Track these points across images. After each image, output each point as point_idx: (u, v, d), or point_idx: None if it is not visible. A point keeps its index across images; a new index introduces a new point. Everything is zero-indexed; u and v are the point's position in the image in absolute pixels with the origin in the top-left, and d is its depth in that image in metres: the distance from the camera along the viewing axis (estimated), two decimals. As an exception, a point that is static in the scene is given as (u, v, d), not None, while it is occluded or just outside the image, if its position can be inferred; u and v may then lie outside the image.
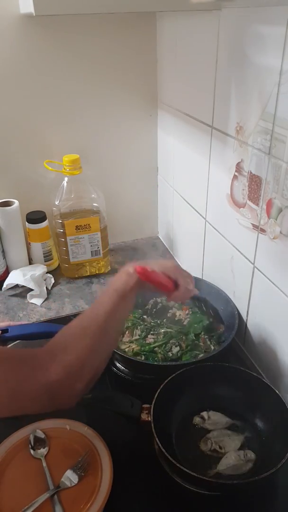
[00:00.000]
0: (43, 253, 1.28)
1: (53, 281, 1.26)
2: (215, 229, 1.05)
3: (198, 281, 1.10)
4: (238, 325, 0.95)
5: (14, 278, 1.21)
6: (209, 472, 0.73)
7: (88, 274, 1.29)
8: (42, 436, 0.81)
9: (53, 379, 0.62)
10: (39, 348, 0.66)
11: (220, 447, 0.77)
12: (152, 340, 0.96)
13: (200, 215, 1.13)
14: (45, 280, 1.24)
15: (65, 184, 1.19)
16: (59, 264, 1.32)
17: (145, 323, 1.01)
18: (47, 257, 1.29)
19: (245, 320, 0.98)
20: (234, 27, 0.83)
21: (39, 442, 0.80)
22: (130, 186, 1.39)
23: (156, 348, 0.94)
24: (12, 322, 0.96)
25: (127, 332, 0.99)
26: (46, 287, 1.22)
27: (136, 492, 0.74)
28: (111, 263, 1.33)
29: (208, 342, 0.96)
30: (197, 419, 0.82)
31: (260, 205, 0.84)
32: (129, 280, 0.73)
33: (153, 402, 0.75)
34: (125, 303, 0.72)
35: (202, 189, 1.08)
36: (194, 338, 0.96)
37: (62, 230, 1.21)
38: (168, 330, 0.99)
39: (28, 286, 1.19)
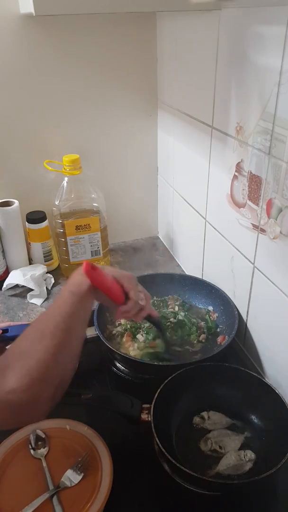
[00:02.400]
0: (43, 253, 1.28)
1: (53, 281, 1.26)
2: (215, 229, 1.05)
3: (198, 281, 1.11)
4: (238, 325, 0.95)
5: (14, 278, 1.21)
6: (209, 472, 0.73)
7: (88, 274, 1.28)
8: (42, 436, 0.81)
9: (12, 388, 0.55)
10: None
11: (220, 447, 0.77)
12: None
13: (200, 215, 1.13)
14: (45, 280, 1.24)
15: (65, 184, 1.19)
16: (59, 264, 1.32)
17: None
18: (47, 257, 1.29)
19: (245, 320, 0.98)
20: (234, 27, 0.83)
21: (39, 442, 0.80)
22: (130, 186, 1.39)
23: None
24: (12, 322, 0.96)
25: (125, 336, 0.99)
26: (46, 287, 1.22)
27: (136, 492, 0.74)
28: (111, 263, 1.33)
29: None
30: (197, 419, 0.82)
31: (260, 205, 0.84)
32: (84, 280, 0.67)
33: (153, 402, 0.75)
34: (82, 304, 0.66)
35: (202, 189, 1.08)
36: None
37: (62, 230, 1.21)
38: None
39: (28, 286, 1.19)
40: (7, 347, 0.87)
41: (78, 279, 0.68)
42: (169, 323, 1.01)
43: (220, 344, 0.96)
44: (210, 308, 1.07)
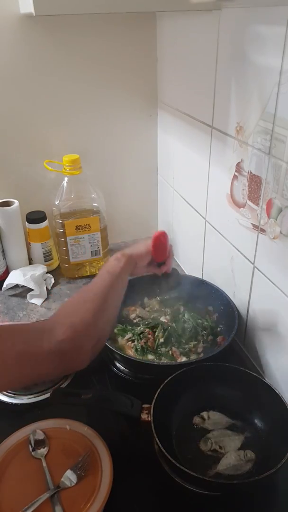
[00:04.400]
0: (43, 253, 1.28)
1: (53, 281, 1.26)
2: (215, 229, 1.05)
3: (198, 281, 1.11)
4: (238, 325, 0.94)
5: (14, 278, 1.22)
6: (209, 472, 0.73)
7: (88, 274, 1.29)
8: (42, 436, 0.81)
9: (60, 339, 0.65)
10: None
11: (220, 447, 0.77)
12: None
13: (200, 215, 1.13)
14: (45, 280, 1.24)
15: (65, 184, 1.19)
16: (59, 264, 1.32)
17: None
18: (47, 257, 1.29)
19: (245, 320, 0.98)
20: (234, 27, 0.83)
21: (39, 442, 0.80)
22: (130, 186, 1.39)
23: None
24: (12, 322, 0.96)
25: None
26: (46, 287, 1.22)
27: (136, 492, 0.74)
28: (111, 263, 1.33)
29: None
30: (197, 419, 0.82)
31: (260, 205, 0.84)
32: (118, 264, 0.82)
33: (153, 402, 0.75)
34: (117, 282, 0.79)
35: (202, 189, 1.08)
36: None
37: (62, 230, 1.21)
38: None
39: (28, 286, 1.19)
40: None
41: (114, 263, 0.82)
42: (173, 324, 1.01)
43: (220, 344, 0.96)
44: (210, 308, 1.07)
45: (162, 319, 1.03)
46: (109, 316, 0.77)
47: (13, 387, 0.86)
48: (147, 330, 0.97)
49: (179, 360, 0.92)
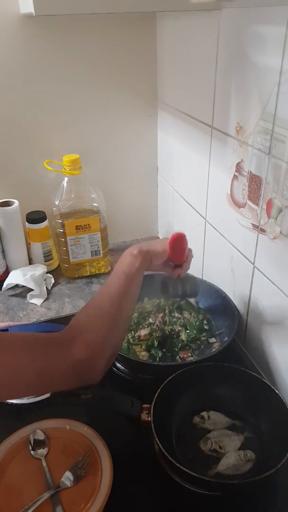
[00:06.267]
0: (43, 253, 1.28)
1: (53, 281, 1.26)
2: (215, 229, 1.05)
3: (198, 281, 1.11)
4: (238, 325, 0.95)
5: (14, 278, 1.21)
6: (209, 472, 0.73)
7: (88, 274, 1.29)
8: (42, 436, 0.81)
9: (77, 357, 0.64)
10: (59, 331, 0.69)
11: (220, 447, 0.77)
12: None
13: (200, 215, 1.13)
14: (45, 280, 1.24)
15: (65, 184, 1.19)
16: (59, 264, 1.32)
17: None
18: (47, 257, 1.29)
19: (245, 320, 0.98)
20: (234, 27, 0.83)
21: (39, 442, 0.80)
22: (130, 186, 1.39)
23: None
24: (12, 322, 0.96)
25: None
26: (46, 287, 1.22)
27: (136, 492, 0.74)
28: (111, 263, 1.33)
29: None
30: (197, 419, 0.82)
31: (260, 205, 0.84)
32: (134, 261, 0.77)
33: (153, 402, 0.75)
34: (133, 283, 0.76)
35: (202, 189, 1.08)
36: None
37: (62, 230, 1.21)
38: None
39: (28, 286, 1.19)
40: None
41: (129, 260, 0.78)
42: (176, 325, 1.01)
43: (220, 344, 0.96)
44: (210, 308, 1.07)
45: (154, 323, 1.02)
46: (124, 326, 0.77)
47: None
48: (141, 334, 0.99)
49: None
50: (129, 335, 1.00)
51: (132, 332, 1.00)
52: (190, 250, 0.89)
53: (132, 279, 0.76)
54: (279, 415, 0.74)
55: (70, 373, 0.65)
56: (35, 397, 0.87)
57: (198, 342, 0.98)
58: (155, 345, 0.96)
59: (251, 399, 0.81)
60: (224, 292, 1.03)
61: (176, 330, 1.00)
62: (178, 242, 0.84)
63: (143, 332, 0.99)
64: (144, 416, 0.75)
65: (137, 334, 0.99)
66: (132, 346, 0.98)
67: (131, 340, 0.99)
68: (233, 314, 0.97)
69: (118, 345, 0.75)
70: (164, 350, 0.96)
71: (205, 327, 1.02)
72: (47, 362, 0.64)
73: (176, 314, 1.05)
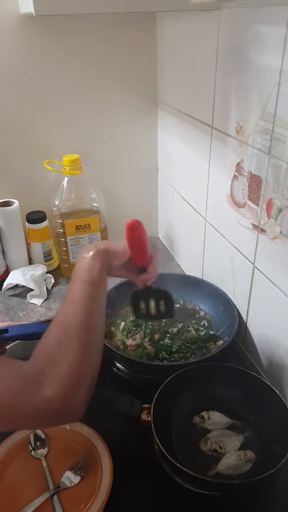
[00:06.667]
0: (43, 253, 1.28)
1: (53, 281, 1.26)
2: (215, 229, 1.05)
3: (198, 281, 1.11)
4: (238, 325, 0.95)
5: (14, 278, 1.21)
6: (209, 472, 0.73)
7: (88, 274, 1.28)
8: (42, 436, 0.81)
9: (47, 397, 0.55)
10: (25, 361, 0.59)
11: (220, 447, 0.77)
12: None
13: (200, 215, 1.13)
14: (45, 280, 1.24)
15: (65, 184, 1.19)
16: (59, 264, 1.32)
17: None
18: (47, 257, 1.29)
19: (245, 320, 0.98)
20: (234, 27, 0.83)
21: (39, 442, 0.80)
22: (130, 186, 1.39)
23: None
24: (12, 322, 0.96)
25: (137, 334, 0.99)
26: (46, 287, 1.22)
27: (136, 492, 0.74)
28: (111, 263, 1.33)
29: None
30: (197, 419, 0.82)
31: (260, 205, 0.84)
32: (93, 264, 0.67)
33: (153, 402, 0.75)
34: (98, 291, 0.66)
35: (202, 189, 1.08)
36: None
37: (62, 230, 1.21)
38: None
39: (28, 286, 1.19)
40: (7, 347, 0.87)
41: (87, 265, 0.67)
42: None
43: (220, 344, 0.96)
44: (210, 308, 1.07)
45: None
46: (98, 346, 0.65)
47: None
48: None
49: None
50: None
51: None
52: (154, 251, 0.79)
53: (96, 288, 0.65)
54: (279, 415, 0.74)
55: (40, 413, 0.56)
56: None
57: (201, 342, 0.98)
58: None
59: (251, 399, 0.81)
60: (224, 292, 1.03)
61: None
62: (136, 231, 0.72)
63: (131, 343, 0.97)
64: (144, 416, 0.75)
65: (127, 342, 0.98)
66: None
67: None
68: (233, 314, 0.97)
69: (96, 370, 0.63)
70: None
71: (210, 332, 1.01)
72: (12, 399, 0.55)
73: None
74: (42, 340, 0.62)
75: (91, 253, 0.68)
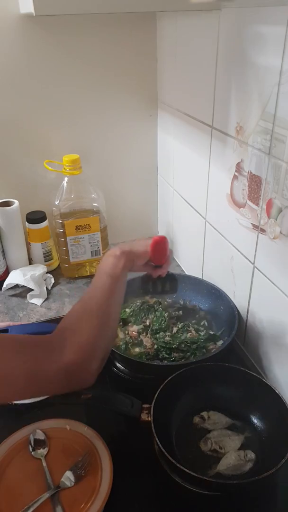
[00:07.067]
0: (43, 253, 1.28)
1: (53, 281, 1.26)
2: (215, 229, 1.05)
3: (198, 281, 1.11)
4: (238, 325, 0.95)
5: (14, 278, 1.21)
6: (209, 472, 0.73)
7: (88, 274, 1.28)
8: (42, 436, 0.81)
9: (68, 361, 0.64)
10: (49, 334, 0.69)
11: (220, 447, 0.77)
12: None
13: (200, 215, 1.13)
14: (45, 280, 1.24)
15: (65, 184, 1.19)
16: (59, 264, 1.32)
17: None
18: (47, 257, 1.29)
19: (245, 320, 0.98)
20: (234, 27, 0.83)
21: (39, 442, 0.80)
22: (130, 186, 1.39)
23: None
24: (12, 322, 0.96)
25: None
26: (46, 287, 1.22)
27: (136, 492, 0.74)
28: (111, 263, 1.33)
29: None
30: (197, 419, 0.82)
31: (260, 205, 0.84)
32: (117, 262, 0.78)
33: (153, 402, 0.75)
34: (118, 284, 0.76)
35: (202, 189, 1.08)
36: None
37: (62, 230, 1.21)
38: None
39: (28, 286, 1.19)
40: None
41: (112, 261, 0.78)
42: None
43: (220, 344, 0.96)
44: (210, 308, 1.07)
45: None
46: (113, 327, 0.77)
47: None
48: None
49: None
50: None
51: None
52: (170, 251, 0.91)
53: (116, 281, 0.76)
54: (279, 415, 0.74)
55: (61, 376, 0.65)
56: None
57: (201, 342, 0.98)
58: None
59: (251, 399, 0.81)
60: (224, 292, 1.03)
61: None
62: (160, 245, 0.85)
63: (133, 329, 1.01)
64: (144, 416, 0.75)
65: (129, 330, 1.01)
66: (129, 345, 0.98)
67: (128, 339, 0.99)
68: (233, 314, 0.97)
69: (108, 347, 0.75)
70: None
71: (210, 332, 1.01)
72: (38, 364, 0.63)
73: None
74: (67, 315, 0.74)
75: (117, 252, 0.79)
